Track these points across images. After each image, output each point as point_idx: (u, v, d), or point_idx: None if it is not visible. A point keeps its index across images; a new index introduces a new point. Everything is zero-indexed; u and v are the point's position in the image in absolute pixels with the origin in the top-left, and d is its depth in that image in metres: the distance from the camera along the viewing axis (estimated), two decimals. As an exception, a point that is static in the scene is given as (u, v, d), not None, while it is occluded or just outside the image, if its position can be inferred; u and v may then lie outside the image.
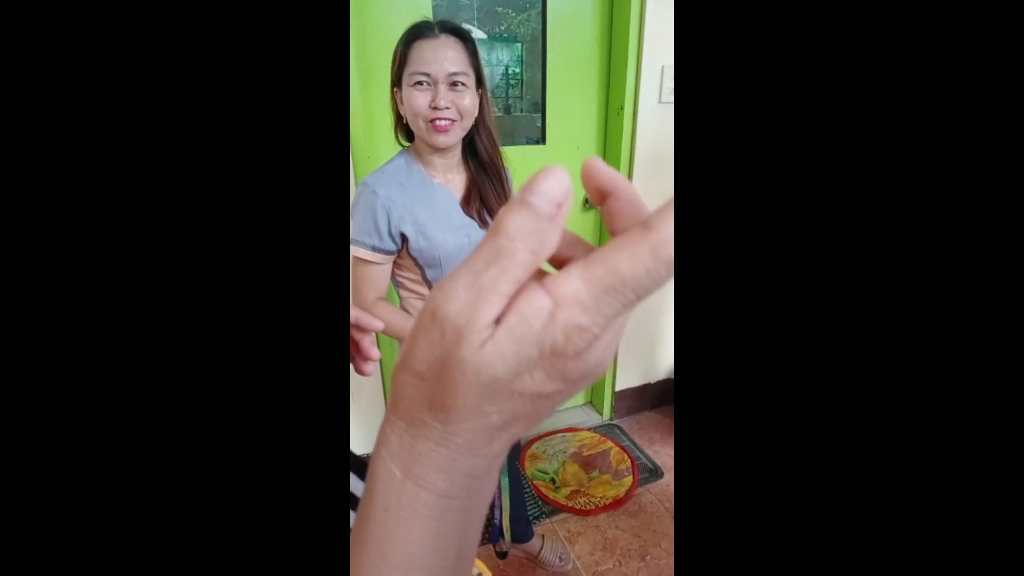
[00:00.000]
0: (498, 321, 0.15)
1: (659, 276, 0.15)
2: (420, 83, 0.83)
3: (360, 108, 1.29)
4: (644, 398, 2.06)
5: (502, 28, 1.60)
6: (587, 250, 0.17)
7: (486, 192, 0.96)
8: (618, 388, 2.00)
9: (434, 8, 1.42)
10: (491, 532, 1.13)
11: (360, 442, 1.56)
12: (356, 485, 0.59)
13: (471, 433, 0.16)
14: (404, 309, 1.00)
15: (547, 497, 1.64)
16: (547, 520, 1.58)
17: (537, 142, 1.66)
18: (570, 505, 1.61)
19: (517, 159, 1.59)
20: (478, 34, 1.56)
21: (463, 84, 0.85)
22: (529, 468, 1.77)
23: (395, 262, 0.95)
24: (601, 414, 2.06)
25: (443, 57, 0.82)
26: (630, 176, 1.66)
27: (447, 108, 0.84)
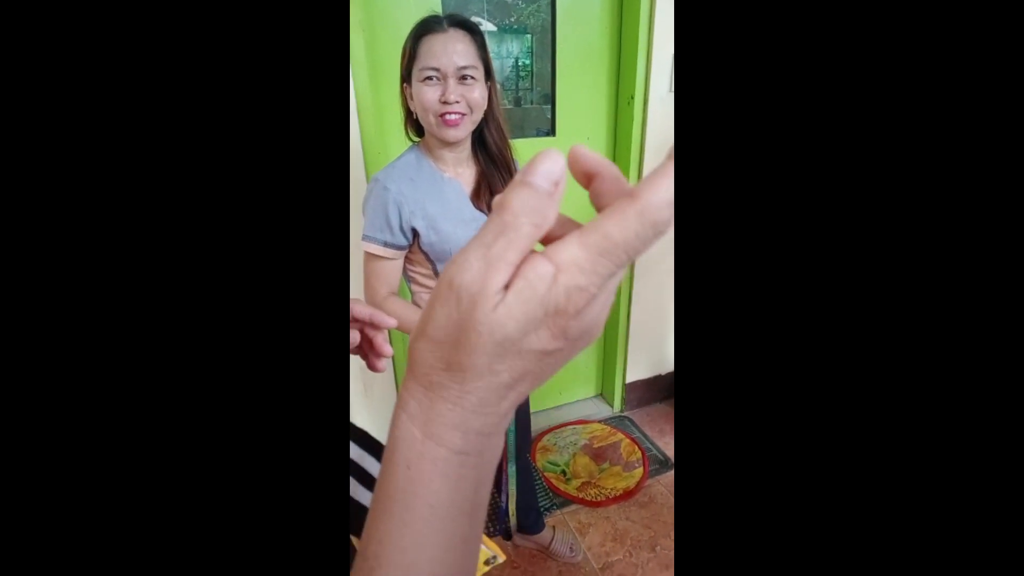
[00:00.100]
0: (507, 287, 0.17)
1: (646, 237, 0.17)
2: (430, 78, 0.83)
3: (370, 104, 1.29)
4: (654, 390, 2.06)
5: (512, 20, 1.59)
6: (622, 185, 0.19)
7: (496, 185, 0.96)
8: (628, 380, 2.00)
9: (444, 1, 1.41)
10: (498, 515, 1.14)
11: (374, 433, 1.58)
12: (374, 466, 0.60)
13: (484, 391, 0.18)
14: (415, 304, 1.01)
15: (558, 489, 1.65)
16: (558, 511, 1.59)
17: (548, 134, 1.65)
18: (581, 496, 1.62)
19: (528, 151, 1.59)
20: (488, 26, 1.55)
21: (472, 77, 0.85)
22: (540, 460, 1.78)
23: (406, 257, 0.95)
24: (612, 406, 2.07)
25: (452, 51, 0.82)
26: (640, 166, 1.65)
27: (457, 102, 0.84)
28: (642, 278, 1.82)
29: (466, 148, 0.94)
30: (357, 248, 0.94)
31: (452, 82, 0.83)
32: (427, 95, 0.84)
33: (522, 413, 1.15)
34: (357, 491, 0.53)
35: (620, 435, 1.90)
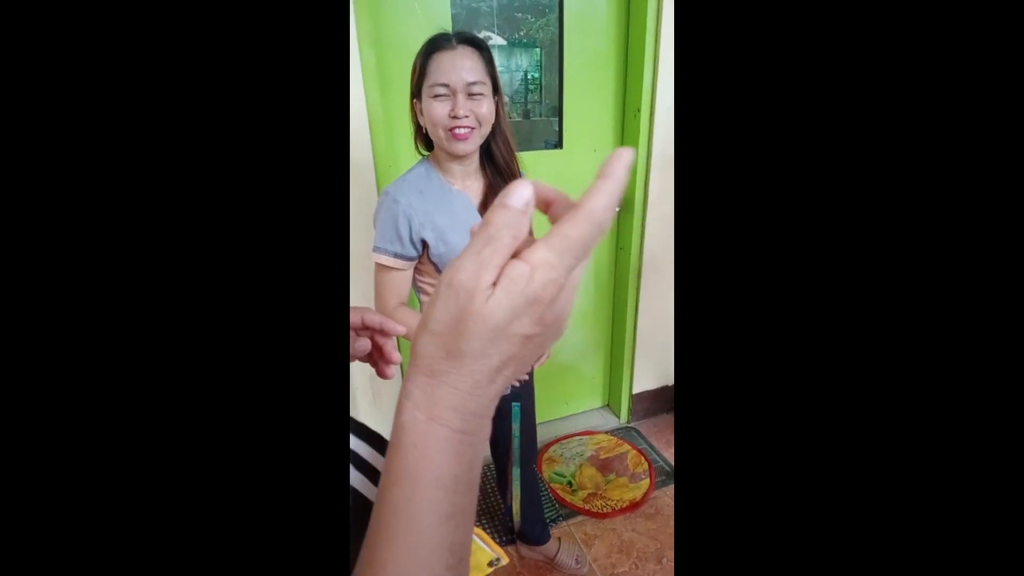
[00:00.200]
0: (494, 284, 0.21)
1: (594, 234, 0.21)
2: (440, 94, 0.85)
3: (381, 117, 1.32)
4: (661, 401, 2.06)
5: (521, 34, 1.62)
6: (571, 205, 0.23)
7: None
8: (635, 391, 2.00)
9: (453, 16, 1.44)
10: (504, 523, 1.15)
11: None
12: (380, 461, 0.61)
13: (478, 374, 0.22)
14: (424, 313, 1.02)
15: (564, 500, 1.65)
16: (564, 523, 1.59)
17: (555, 146, 1.67)
18: (587, 508, 1.62)
19: (536, 163, 1.60)
20: (498, 40, 1.58)
21: (481, 93, 0.87)
22: (546, 471, 1.78)
23: (416, 268, 0.97)
24: (618, 417, 2.06)
25: (461, 67, 0.84)
26: (647, 176, 1.66)
27: (466, 116, 0.86)
28: (648, 290, 1.83)
29: (474, 161, 0.96)
30: (365, 258, 0.96)
31: (461, 97, 0.85)
32: (437, 110, 0.86)
33: (528, 419, 1.16)
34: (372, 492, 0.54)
35: (627, 446, 1.89)
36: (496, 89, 0.90)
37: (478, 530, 0.44)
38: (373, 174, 1.35)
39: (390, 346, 0.49)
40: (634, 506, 1.62)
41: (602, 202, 0.21)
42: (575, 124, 1.64)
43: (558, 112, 1.63)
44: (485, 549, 0.44)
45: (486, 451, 1.26)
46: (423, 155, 0.99)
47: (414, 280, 0.99)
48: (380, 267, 0.93)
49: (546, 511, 1.59)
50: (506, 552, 1.48)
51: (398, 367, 0.48)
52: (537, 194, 0.23)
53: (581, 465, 1.81)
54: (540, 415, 2.00)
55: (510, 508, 1.12)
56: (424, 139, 0.96)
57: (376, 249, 0.92)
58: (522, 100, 1.72)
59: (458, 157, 0.91)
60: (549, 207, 0.24)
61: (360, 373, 1.55)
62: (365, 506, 0.27)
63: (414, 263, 0.95)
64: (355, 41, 1.23)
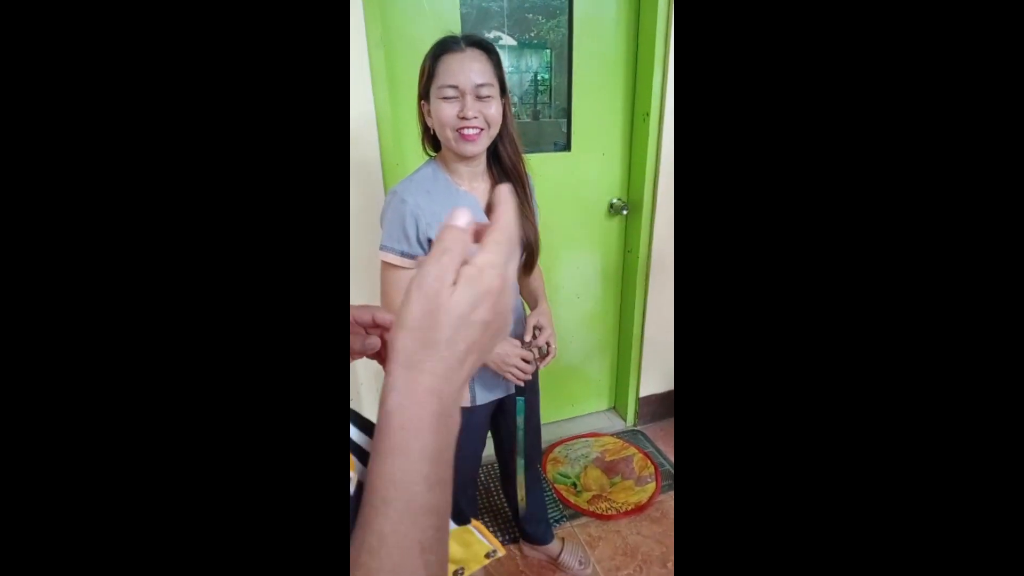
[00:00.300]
0: (454, 283, 0.26)
1: (513, 240, 0.28)
2: (448, 96, 0.86)
3: (389, 118, 1.33)
4: (668, 404, 2.05)
5: (532, 35, 1.62)
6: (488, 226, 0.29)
7: None
8: (642, 394, 1.99)
9: (463, 16, 1.45)
10: (509, 505, 1.18)
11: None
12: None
13: (450, 359, 0.26)
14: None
15: (568, 501, 1.65)
16: (568, 524, 1.59)
17: (564, 148, 1.67)
18: (591, 509, 1.62)
19: (544, 165, 1.61)
20: (508, 41, 1.58)
21: (489, 95, 0.87)
22: (551, 472, 1.78)
23: (422, 267, 0.98)
24: (625, 420, 2.06)
25: (470, 70, 0.85)
26: (655, 181, 1.66)
27: (475, 118, 0.86)
28: (656, 292, 1.82)
29: (481, 163, 0.97)
30: (371, 257, 0.97)
31: (470, 99, 0.86)
32: (446, 111, 0.86)
33: (532, 414, 1.17)
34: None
35: (633, 449, 1.89)
36: (504, 91, 0.91)
37: (476, 523, 0.44)
38: (380, 173, 1.36)
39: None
40: (639, 509, 1.62)
41: (507, 216, 0.28)
42: (584, 127, 1.64)
43: (567, 114, 1.63)
44: (483, 541, 0.44)
45: (489, 449, 1.26)
46: (430, 156, 1.00)
47: (420, 279, 0.99)
48: (386, 266, 0.94)
49: (550, 512, 1.59)
50: (509, 551, 1.49)
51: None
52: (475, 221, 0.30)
53: (586, 467, 1.81)
54: (546, 416, 2.00)
55: (515, 494, 1.14)
56: (431, 140, 0.97)
57: (383, 248, 0.93)
58: (531, 101, 1.72)
59: (466, 158, 0.92)
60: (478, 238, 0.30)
61: (365, 369, 1.56)
62: None
63: (420, 262, 0.95)
64: (364, 41, 1.24)
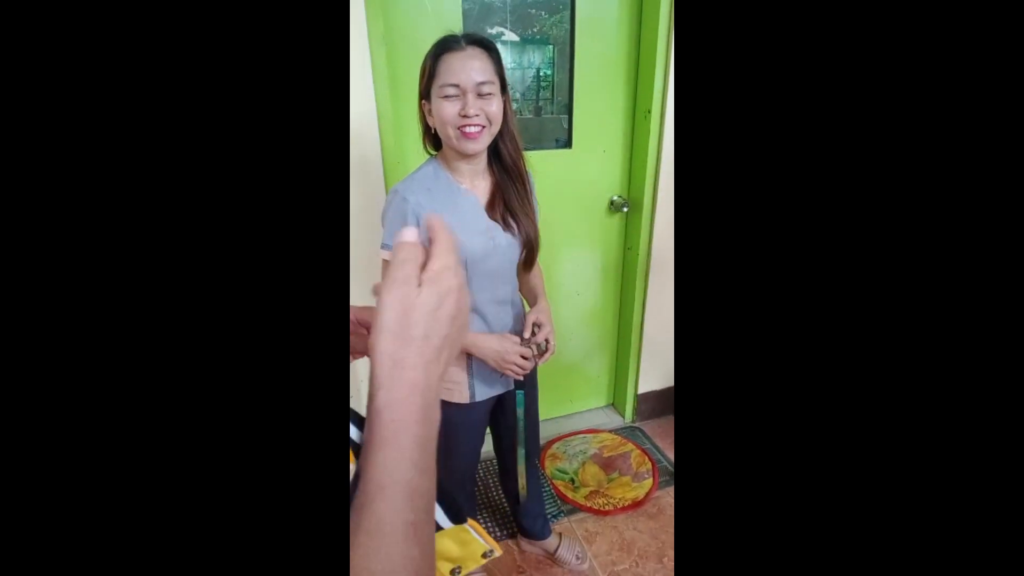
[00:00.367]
0: (419, 287, 0.30)
1: (455, 248, 0.32)
2: (450, 95, 0.86)
3: (390, 115, 1.33)
4: (666, 401, 2.06)
5: (534, 30, 1.61)
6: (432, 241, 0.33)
7: (510, 196, 0.99)
8: (640, 391, 2.00)
9: (466, 11, 1.44)
10: (510, 499, 1.20)
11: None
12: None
13: (428, 353, 0.29)
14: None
15: (566, 496, 1.67)
16: (565, 519, 1.60)
17: (565, 145, 1.67)
18: (589, 505, 1.63)
19: (544, 162, 1.61)
20: (511, 37, 1.58)
21: (490, 92, 0.88)
22: (549, 467, 1.80)
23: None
24: (623, 416, 2.07)
25: (471, 68, 0.85)
26: (656, 179, 1.66)
27: (476, 115, 0.87)
28: (655, 290, 1.83)
29: (482, 161, 0.97)
30: (372, 255, 0.97)
31: (471, 97, 0.86)
32: (447, 110, 0.87)
33: (531, 406, 1.18)
34: None
35: (630, 445, 1.90)
36: (504, 88, 0.91)
37: (472, 522, 0.45)
38: (381, 172, 1.36)
39: None
40: (636, 505, 1.63)
41: (443, 233, 0.32)
42: (585, 124, 1.64)
43: (568, 111, 1.63)
44: (479, 540, 0.45)
45: (488, 446, 1.27)
46: (431, 154, 1.00)
47: (420, 277, 1.00)
48: (387, 263, 0.95)
49: (548, 507, 1.60)
50: (507, 546, 1.50)
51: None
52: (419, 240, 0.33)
53: (584, 463, 1.82)
54: (545, 412, 2.02)
55: (516, 483, 1.16)
56: (432, 139, 0.97)
57: (384, 246, 0.93)
58: (534, 97, 1.72)
59: (467, 156, 0.92)
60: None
61: (365, 368, 1.57)
62: None
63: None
64: (366, 39, 1.24)
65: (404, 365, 0.29)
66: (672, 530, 1.56)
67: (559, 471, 1.78)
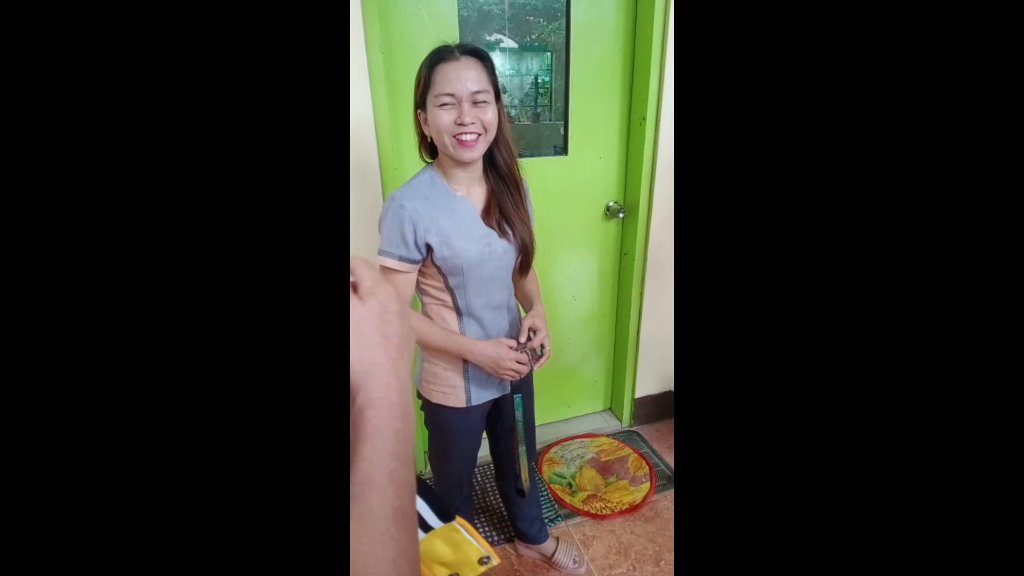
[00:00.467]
0: (360, 300, 0.34)
1: (371, 268, 0.36)
2: (445, 104, 0.87)
3: (387, 122, 1.34)
4: (664, 405, 2.06)
5: (532, 37, 1.63)
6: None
7: (505, 203, 1.00)
8: (638, 395, 2.01)
9: (465, 18, 1.46)
10: (516, 479, 1.21)
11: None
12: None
13: (390, 353, 0.33)
14: (426, 315, 1.05)
15: (563, 501, 1.67)
16: (563, 523, 1.60)
17: (561, 152, 1.69)
18: (586, 509, 1.64)
19: (541, 170, 1.62)
20: (509, 44, 1.59)
21: (485, 101, 0.89)
22: (546, 472, 1.80)
23: (419, 271, 0.99)
24: (621, 420, 2.07)
25: (466, 77, 0.87)
26: (651, 185, 1.67)
27: (472, 123, 0.88)
28: (652, 295, 1.84)
29: (478, 168, 0.98)
30: (369, 259, 0.98)
31: (467, 105, 0.87)
32: (443, 118, 0.88)
33: (528, 409, 1.19)
34: None
35: (628, 450, 1.91)
36: (498, 96, 0.92)
37: (461, 520, 0.46)
38: (378, 177, 1.38)
39: None
40: (633, 509, 1.64)
41: (356, 262, 0.36)
42: (581, 131, 1.66)
43: (564, 118, 1.65)
44: (472, 542, 0.45)
45: (484, 450, 1.28)
46: (427, 162, 1.01)
47: (416, 282, 1.01)
48: (385, 270, 0.96)
49: (545, 511, 1.61)
50: (504, 550, 1.51)
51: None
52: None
53: (582, 467, 1.83)
54: (543, 417, 2.02)
55: (519, 476, 1.17)
56: (428, 148, 0.99)
57: (381, 252, 0.94)
58: (532, 104, 1.73)
59: (463, 164, 0.93)
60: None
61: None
62: None
63: (418, 266, 0.97)
64: (363, 45, 1.25)
65: (375, 367, 0.32)
66: (669, 534, 1.56)
67: (557, 475, 1.79)
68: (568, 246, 1.79)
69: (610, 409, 2.16)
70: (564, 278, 1.83)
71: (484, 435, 1.25)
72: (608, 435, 2.00)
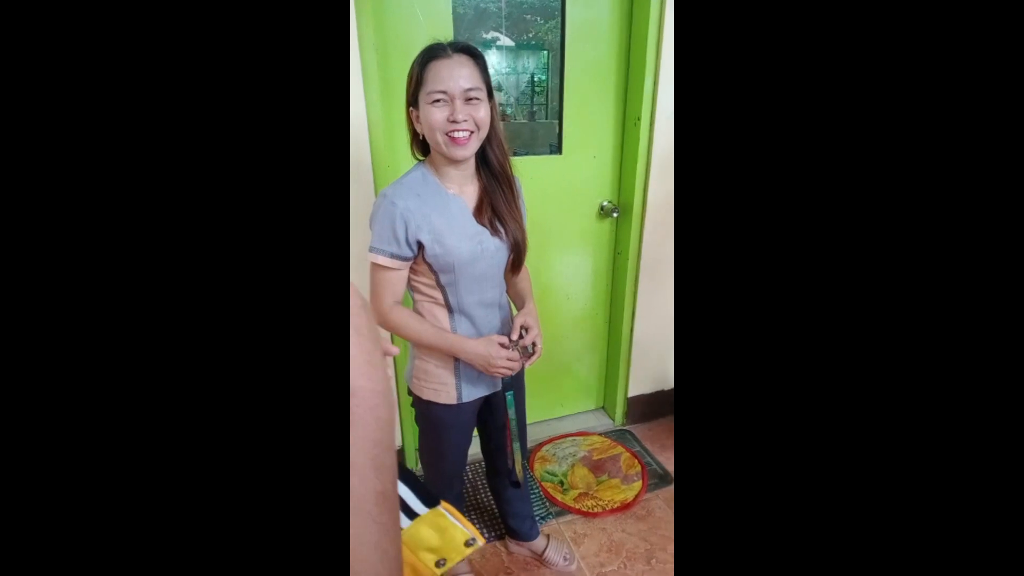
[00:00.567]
0: None
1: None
2: (438, 101, 0.88)
3: (381, 120, 1.35)
4: (656, 405, 2.07)
5: (529, 35, 1.63)
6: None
7: (497, 201, 1.01)
8: (631, 394, 2.02)
9: (462, 16, 1.46)
10: (507, 471, 1.23)
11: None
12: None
13: (364, 347, 0.33)
14: (417, 312, 1.05)
15: (554, 498, 1.68)
16: (554, 520, 1.61)
17: (555, 151, 1.69)
18: (577, 507, 1.64)
19: (535, 168, 1.63)
20: (506, 42, 1.60)
21: (477, 98, 0.89)
22: (538, 470, 1.81)
23: (411, 268, 1.00)
24: (613, 419, 2.08)
25: (458, 75, 0.87)
26: (645, 185, 1.68)
27: (465, 121, 0.88)
28: (645, 295, 1.85)
29: (470, 166, 0.99)
30: (362, 258, 0.99)
31: (459, 103, 0.88)
32: (436, 116, 0.88)
33: (520, 406, 1.19)
34: None
35: (620, 448, 1.91)
36: (490, 94, 0.93)
37: (446, 504, 0.46)
38: (371, 176, 1.38)
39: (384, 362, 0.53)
40: (625, 507, 1.65)
41: None
42: (575, 130, 1.66)
43: (558, 117, 1.65)
44: (457, 526, 0.46)
45: (476, 448, 1.28)
46: (419, 160, 1.02)
47: (408, 280, 1.01)
48: (376, 267, 0.96)
49: (536, 509, 1.61)
50: (494, 547, 1.51)
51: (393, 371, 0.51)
52: None
53: (574, 465, 1.84)
54: (535, 415, 2.03)
55: (513, 469, 1.19)
56: (420, 146, 0.99)
57: (373, 249, 0.95)
58: (528, 103, 1.74)
59: (456, 162, 0.94)
60: None
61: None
62: None
63: (409, 263, 0.97)
64: (356, 44, 1.26)
65: (352, 359, 0.33)
66: (660, 532, 1.57)
67: (548, 473, 1.80)
68: (562, 245, 1.79)
69: (603, 408, 2.16)
70: (558, 277, 1.84)
71: (476, 433, 1.25)
72: (600, 433, 2.01)
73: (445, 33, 1.40)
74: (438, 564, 0.45)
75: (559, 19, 1.58)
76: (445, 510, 0.45)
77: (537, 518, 1.52)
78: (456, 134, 0.89)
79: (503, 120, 1.67)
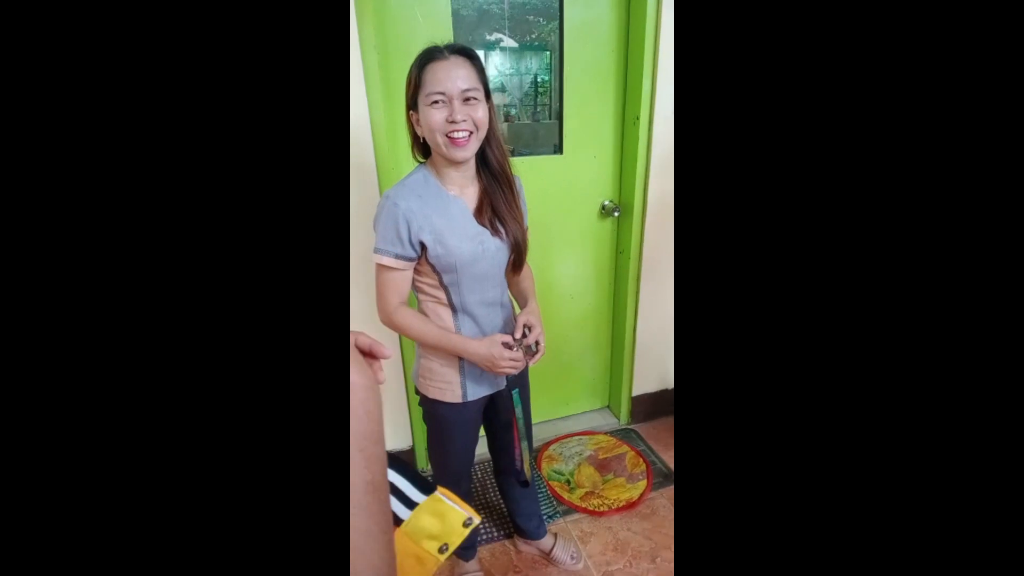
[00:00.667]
0: None
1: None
2: (436, 102, 0.89)
3: (383, 122, 1.36)
4: (661, 404, 2.08)
5: (532, 36, 1.64)
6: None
7: (497, 201, 1.02)
8: (635, 393, 2.02)
9: (463, 18, 1.46)
10: (515, 471, 1.23)
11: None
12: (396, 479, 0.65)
13: (352, 353, 0.35)
14: (422, 311, 1.06)
15: (561, 497, 1.68)
16: (561, 519, 1.62)
17: (557, 151, 1.70)
18: (584, 506, 1.65)
19: (535, 168, 1.64)
20: (509, 43, 1.61)
21: (475, 99, 0.90)
22: (545, 469, 1.81)
23: (415, 268, 1.01)
24: (618, 418, 2.09)
25: (456, 76, 0.88)
26: (645, 184, 1.69)
27: (464, 121, 0.90)
28: (649, 294, 1.85)
29: (470, 167, 1.00)
30: (366, 259, 1.00)
31: (457, 104, 0.89)
32: (435, 117, 0.90)
33: (526, 404, 1.20)
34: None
35: (625, 447, 1.92)
36: (488, 95, 0.94)
37: (443, 489, 0.47)
38: (375, 177, 1.39)
39: (376, 366, 0.53)
40: (630, 506, 1.65)
41: None
42: (575, 130, 1.67)
43: (559, 118, 1.66)
44: (455, 508, 0.46)
45: (483, 447, 1.29)
46: (420, 162, 1.03)
47: (412, 280, 1.02)
48: (381, 268, 0.97)
49: (544, 507, 1.62)
50: (503, 545, 1.52)
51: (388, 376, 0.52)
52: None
53: (580, 464, 1.84)
54: (542, 414, 2.04)
55: (521, 469, 1.21)
56: (421, 148, 1.00)
57: (377, 250, 0.96)
58: (531, 103, 1.75)
59: (456, 163, 0.95)
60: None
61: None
62: None
63: (413, 264, 0.99)
64: (358, 46, 1.27)
65: (352, 360, 0.35)
66: (665, 531, 1.57)
67: (555, 472, 1.80)
68: (564, 245, 1.80)
69: (608, 407, 2.17)
70: (561, 276, 1.85)
71: (483, 432, 1.26)
72: (606, 433, 2.01)
73: (446, 35, 1.42)
74: (441, 550, 0.45)
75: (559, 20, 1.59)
76: (442, 494, 0.46)
77: (545, 517, 1.52)
78: (455, 135, 0.90)
79: (508, 121, 1.69)
